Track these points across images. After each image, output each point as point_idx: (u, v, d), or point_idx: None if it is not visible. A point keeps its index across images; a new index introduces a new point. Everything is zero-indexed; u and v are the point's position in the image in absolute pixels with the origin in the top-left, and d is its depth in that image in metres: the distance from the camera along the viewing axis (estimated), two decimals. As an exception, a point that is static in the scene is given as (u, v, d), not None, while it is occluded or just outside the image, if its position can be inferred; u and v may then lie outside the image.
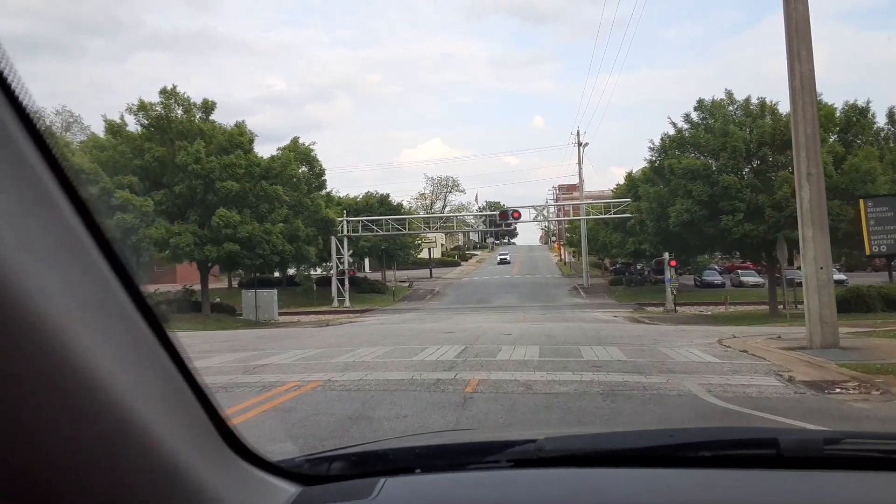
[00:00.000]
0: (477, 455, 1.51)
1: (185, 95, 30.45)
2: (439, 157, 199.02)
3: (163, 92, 29.95)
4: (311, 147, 32.98)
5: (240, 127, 30.56)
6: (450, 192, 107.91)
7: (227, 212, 28.58)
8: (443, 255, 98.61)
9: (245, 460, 1.14)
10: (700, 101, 28.34)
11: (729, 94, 28.36)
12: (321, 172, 33.54)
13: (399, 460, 1.51)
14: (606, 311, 42.46)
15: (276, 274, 56.93)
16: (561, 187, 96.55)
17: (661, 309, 44.89)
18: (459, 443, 1.87)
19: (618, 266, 71.21)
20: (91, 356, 0.78)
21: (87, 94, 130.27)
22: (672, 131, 29.07)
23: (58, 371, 0.75)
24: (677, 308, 40.95)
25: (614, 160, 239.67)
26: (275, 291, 43.01)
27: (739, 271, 61.13)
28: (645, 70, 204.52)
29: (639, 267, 63.23)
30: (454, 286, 67.16)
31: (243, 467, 1.13)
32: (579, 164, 61.09)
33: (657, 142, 29.66)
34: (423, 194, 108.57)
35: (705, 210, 27.00)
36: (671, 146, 28.82)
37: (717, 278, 58.37)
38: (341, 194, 60.96)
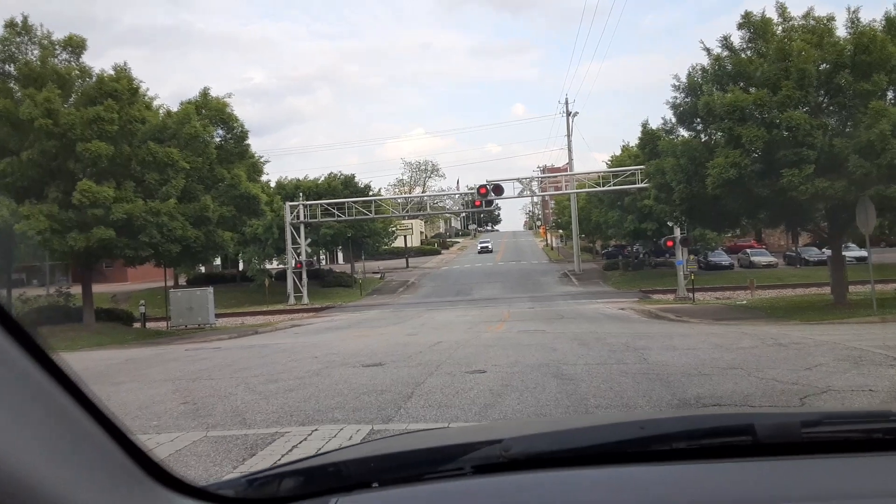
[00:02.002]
0: (439, 462, 1.33)
1: (45, 31, 21.63)
2: (422, 146, 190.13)
3: (9, 25, 21.11)
4: (227, 102, 24.17)
5: (119, 71, 21.72)
6: (429, 177, 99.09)
7: (94, 185, 19.80)
8: (422, 243, 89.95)
9: (169, 488, 1.00)
10: (747, 16, 19.76)
11: (781, 6, 19.94)
12: (242, 136, 24.75)
13: (353, 474, 1.32)
14: (608, 301, 34.15)
15: (242, 269, 48.26)
16: (546, 169, 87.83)
17: (672, 297, 36.69)
18: (419, 449, 1.51)
19: (610, 249, 63.07)
20: None
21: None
22: (705, 62, 20.52)
23: None
24: (693, 295, 32.71)
25: (596, 147, 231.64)
26: (209, 290, 34.36)
27: (748, 251, 53.13)
28: (625, 57, 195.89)
29: (635, 248, 55.03)
30: (431, 277, 58.68)
31: (166, 496, 0.99)
32: (568, 135, 52.57)
33: (682, 78, 21.14)
34: (402, 180, 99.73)
35: (759, 163, 18.61)
36: (706, 81, 20.29)
37: (725, 259, 50.33)
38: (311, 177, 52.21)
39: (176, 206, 21.62)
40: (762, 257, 50.61)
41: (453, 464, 1.29)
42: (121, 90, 21.05)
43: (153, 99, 24.52)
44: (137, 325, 31.22)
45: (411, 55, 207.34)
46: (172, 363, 12.26)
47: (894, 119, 15.99)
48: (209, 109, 24.16)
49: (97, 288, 51.85)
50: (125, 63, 21.98)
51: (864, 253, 35.95)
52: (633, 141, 50.11)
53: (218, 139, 25.09)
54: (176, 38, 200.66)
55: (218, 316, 37.67)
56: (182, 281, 53.47)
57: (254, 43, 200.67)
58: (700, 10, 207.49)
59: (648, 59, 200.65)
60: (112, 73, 21.95)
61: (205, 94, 24.39)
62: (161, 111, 24.37)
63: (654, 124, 23.87)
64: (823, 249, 50.17)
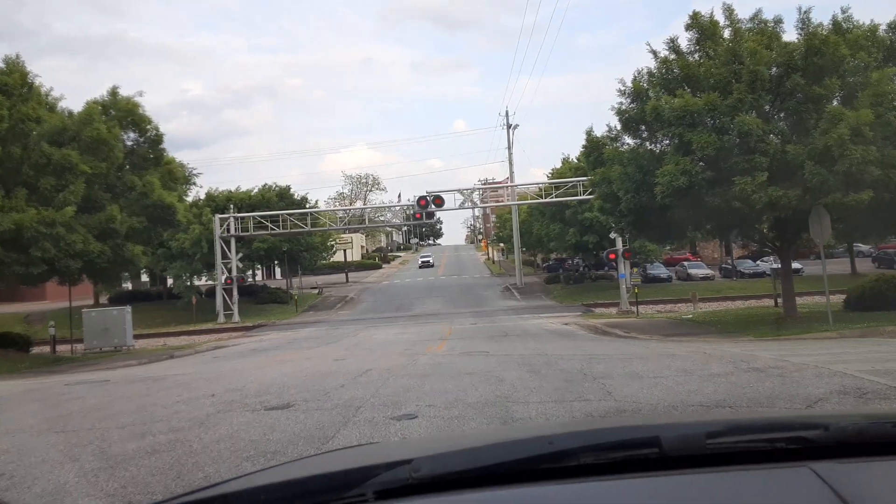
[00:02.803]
0: (339, 489, 1.22)
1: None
2: (364, 161, 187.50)
3: None
4: (138, 102, 21.57)
5: (11, 63, 18.93)
6: (370, 190, 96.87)
7: (-28, 190, 17.02)
8: (363, 257, 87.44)
9: None
10: (695, 16, 18.63)
11: (728, 8, 18.92)
12: (157, 139, 22.19)
13: None
14: (551, 316, 32.78)
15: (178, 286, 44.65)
16: (487, 182, 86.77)
17: (615, 310, 35.65)
18: (317, 475, 1.37)
19: (551, 263, 62.26)
20: None
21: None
22: (653, 65, 19.29)
23: None
24: (636, 309, 31.68)
25: (535, 163, 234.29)
26: (127, 310, 31.24)
27: (686, 263, 53.05)
28: (561, 76, 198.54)
29: (575, 262, 54.21)
30: (371, 291, 56.43)
31: None
32: (509, 147, 51.37)
33: (628, 83, 19.85)
34: (342, 194, 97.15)
35: (710, 171, 17.41)
36: (653, 85, 19.06)
37: (664, 272, 50.01)
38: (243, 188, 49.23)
39: (75, 217, 18.89)
40: (699, 270, 50.52)
41: (355, 490, 1.20)
42: (12, 85, 18.30)
43: (59, 100, 21.78)
44: (41, 349, 27.91)
45: (353, 70, 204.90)
46: (34, 405, 9.85)
47: (853, 123, 14.98)
48: (118, 110, 21.53)
49: (6, 308, 47.30)
50: (17, 55, 19.17)
51: (798, 265, 35.87)
52: (574, 153, 49.59)
53: (130, 143, 22.45)
54: (110, 48, 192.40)
55: (139, 337, 34.49)
56: (104, 299, 49.62)
57: (192, 55, 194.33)
58: (630, 31, 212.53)
59: (584, 77, 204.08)
60: (2, 65, 19.16)
61: (114, 92, 21.73)
62: (65, 112, 21.63)
63: (599, 132, 22.60)
64: (758, 262, 50.68)
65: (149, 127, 22.19)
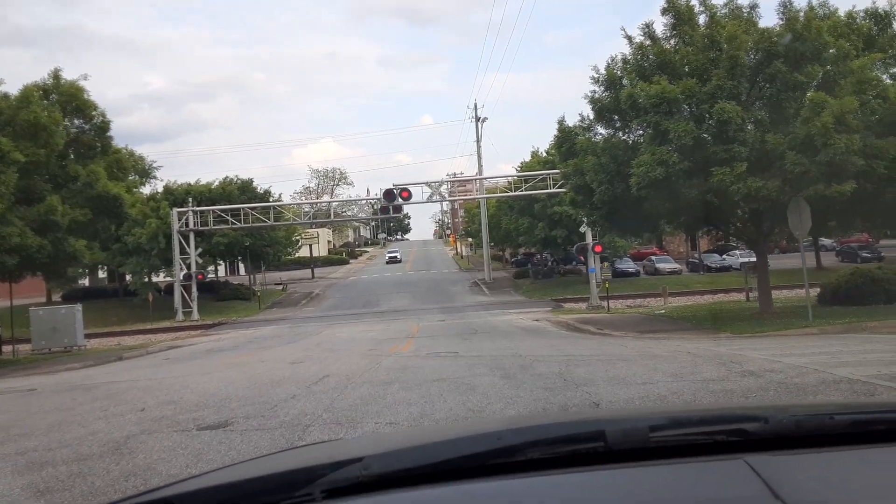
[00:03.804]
0: (286, 489, 1.19)
1: None
2: (331, 156, 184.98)
3: None
4: (82, 87, 19.92)
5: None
6: (337, 185, 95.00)
7: None
8: (330, 252, 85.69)
9: None
10: (671, 1, 17.77)
11: (702, -6, 18.10)
12: (104, 126, 20.55)
13: None
14: (520, 311, 31.89)
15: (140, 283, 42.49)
16: (455, 180, 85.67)
17: (584, 305, 34.93)
18: (264, 475, 1.33)
19: (519, 257, 61.52)
20: None
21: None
22: (627, 50, 18.41)
23: None
24: (607, 304, 30.96)
25: (503, 159, 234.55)
26: (77, 308, 29.50)
27: (653, 258, 52.75)
28: (529, 72, 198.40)
29: (544, 256, 53.53)
30: (338, 287, 54.95)
31: None
32: (478, 140, 50.37)
33: (601, 70, 18.94)
34: (309, 188, 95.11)
35: (687, 161, 16.59)
36: (627, 72, 18.16)
37: (632, 266, 49.60)
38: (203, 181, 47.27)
39: (11, 209, 17.28)
40: (667, 264, 50.23)
41: (303, 490, 1.19)
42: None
43: (-1, 83, 19.98)
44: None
45: (320, 65, 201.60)
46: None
47: (837, 112, 14.27)
48: (61, 94, 19.86)
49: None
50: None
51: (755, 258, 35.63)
52: (543, 150, 48.80)
53: (75, 130, 20.78)
54: (68, 39, 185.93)
55: (92, 336, 32.65)
56: (57, 297, 47.27)
57: (153, 47, 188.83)
58: (597, 30, 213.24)
59: (551, 74, 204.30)
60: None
61: (56, 75, 20.04)
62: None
63: (571, 123, 21.64)
64: (724, 256, 50.69)
65: (94, 113, 20.51)
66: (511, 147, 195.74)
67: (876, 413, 1.47)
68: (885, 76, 17.24)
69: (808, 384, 7.45)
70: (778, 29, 16.39)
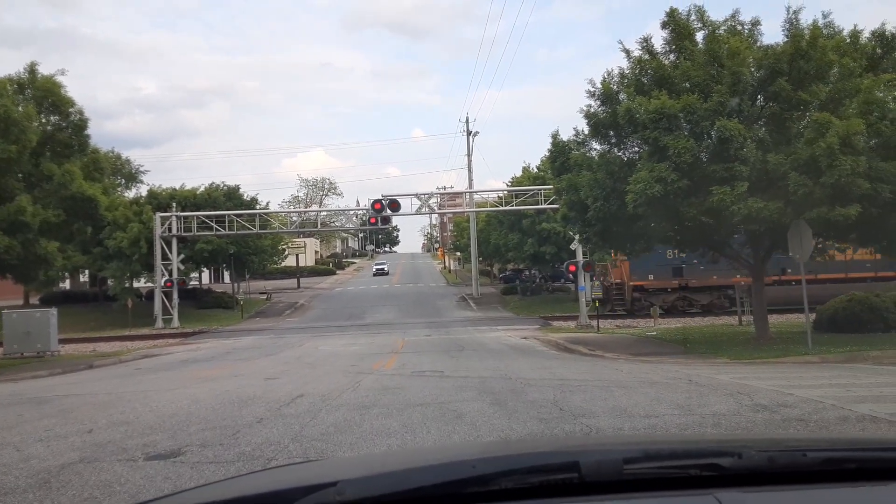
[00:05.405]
0: None
1: None
2: (321, 166, 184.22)
3: None
4: (59, 82, 19.06)
5: None
6: (326, 195, 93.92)
7: None
8: (317, 262, 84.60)
9: None
10: (672, 13, 17.23)
11: (700, 11, 17.58)
12: (81, 124, 19.67)
13: None
14: (508, 328, 31.11)
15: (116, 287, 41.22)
16: (445, 193, 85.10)
17: (573, 324, 34.20)
18: (236, 497, 1.32)
19: (507, 273, 60.85)
20: None
21: None
22: (624, 65, 17.84)
23: None
24: (597, 324, 30.25)
25: (494, 175, 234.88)
26: (52, 312, 28.26)
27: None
28: (520, 89, 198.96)
29: (532, 273, 52.88)
30: (323, 298, 53.96)
31: None
32: (468, 154, 49.80)
33: (597, 84, 18.33)
34: (297, 197, 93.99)
35: (686, 179, 15.97)
36: (625, 87, 17.57)
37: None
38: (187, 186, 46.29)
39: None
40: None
41: None
42: None
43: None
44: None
45: (311, 74, 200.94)
46: None
47: (843, 132, 13.71)
48: (37, 89, 18.98)
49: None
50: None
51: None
52: (533, 166, 48.27)
53: (51, 128, 19.88)
54: (60, 42, 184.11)
55: (67, 342, 31.55)
56: (35, 300, 45.96)
57: (145, 52, 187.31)
58: (587, 49, 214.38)
59: (542, 91, 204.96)
60: None
61: (32, 69, 19.15)
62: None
63: (566, 137, 21.02)
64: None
65: (72, 110, 19.60)
66: (500, 164, 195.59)
67: (849, 451, 1.46)
68: (889, 98, 16.76)
69: (828, 421, 6.73)
70: (782, 46, 15.85)
